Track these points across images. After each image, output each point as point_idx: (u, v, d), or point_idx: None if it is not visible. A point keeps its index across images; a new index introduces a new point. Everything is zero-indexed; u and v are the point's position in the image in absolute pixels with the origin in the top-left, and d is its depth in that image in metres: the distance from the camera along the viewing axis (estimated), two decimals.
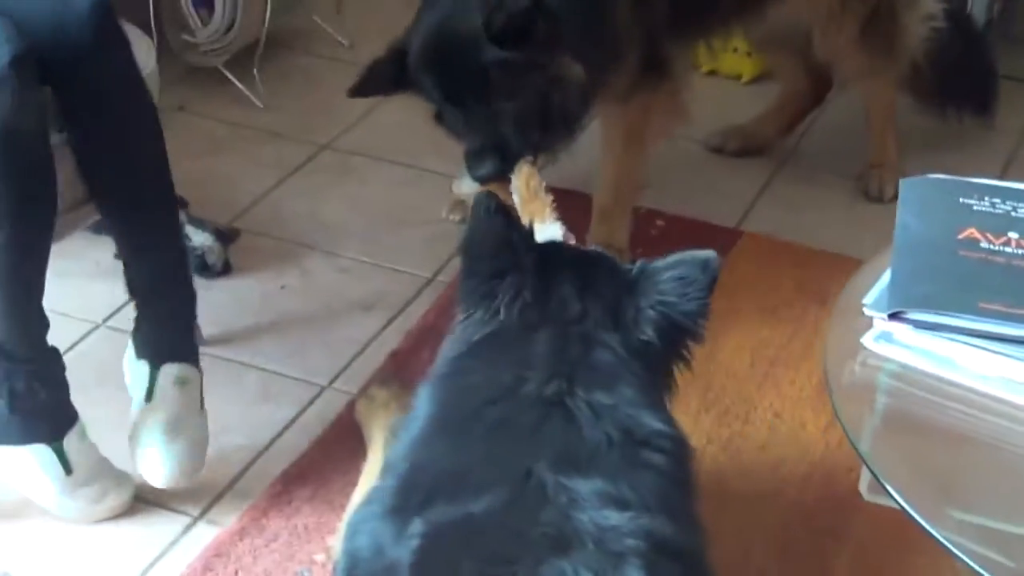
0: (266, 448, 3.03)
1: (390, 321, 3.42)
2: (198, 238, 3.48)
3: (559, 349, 2.17)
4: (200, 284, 3.27)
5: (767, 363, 3.35)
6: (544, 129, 3.12)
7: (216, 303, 3.38)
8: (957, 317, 2.23)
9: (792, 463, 3.08)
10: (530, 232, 2.31)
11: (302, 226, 3.72)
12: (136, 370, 2.86)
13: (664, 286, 2.23)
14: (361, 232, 3.72)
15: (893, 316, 2.25)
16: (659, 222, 3.82)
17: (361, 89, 3.22)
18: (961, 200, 2.51)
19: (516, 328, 2.21)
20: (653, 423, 2.12)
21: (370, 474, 2.84)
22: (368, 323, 3.40)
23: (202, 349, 3.07)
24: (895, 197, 3.77)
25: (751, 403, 3.23)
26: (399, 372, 3.22)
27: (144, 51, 2.91)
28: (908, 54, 3.86)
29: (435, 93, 3.12)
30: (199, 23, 4.18)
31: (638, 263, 2.29)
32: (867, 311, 2.31)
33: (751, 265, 3.69)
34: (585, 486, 1.99)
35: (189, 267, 2.96)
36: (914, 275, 2.33)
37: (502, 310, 2.22)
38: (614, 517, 1.96)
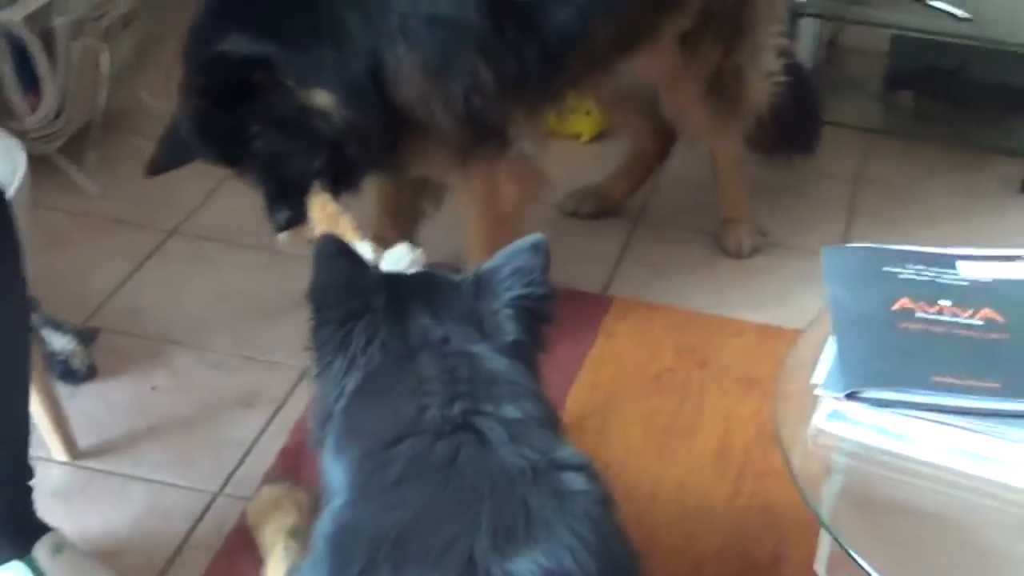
0: (167, 567, 2.87)
1: (273, 416, 3.30)
2: (58, 342, 3.31)
3: (445, 369, 2.12)
4: (65, 391, 3.14)
5: (660, 434, 3.31)
6: (319, 158, 3.07)
7: (86, 410, 3.23)
8: (912, 393, 2.21)
9: (705, 537, 3.04)
10: (375, 268, 2.29)
11: (164, 320, 3.57)
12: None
13: (507, 283, 2.21)
14: (227, 323, 3.59)
15: (850, 396, 2.22)
16: None
17: (155, 167, 3.21)
18: (884, 269, 2.50)
19: (390, 363, 2.16)
20: (561, 443, 2.09)
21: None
22: (250, 420, 3.28)
23: (79, 462, 2.95)
24: (753, 251, 3.85)
25: (653, 477, 3.18)
26: (290, 471, 3.10)
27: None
28: (753, 110, 3.88)
29: (215, 160, 3.12)
30: (27, 110, 3.97)
31: (472, 271, 2.27)
32: (820, 392, 2.28)
33: (627, 332, 3.66)
34: (522, 563, 1.93)
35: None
36: (861, 352, 2.31)
37: (360, 355, 2.17)
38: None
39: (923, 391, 2.22)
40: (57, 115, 4.02)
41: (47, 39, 3.94)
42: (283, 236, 3.13)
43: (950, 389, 2.22)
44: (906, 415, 2.23)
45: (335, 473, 2.12)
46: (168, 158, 3.21)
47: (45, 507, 2.71)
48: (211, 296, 3.69)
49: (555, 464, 2.04)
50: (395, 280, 2.31)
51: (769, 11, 3.81)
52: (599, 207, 4.16)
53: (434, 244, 3.20)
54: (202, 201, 4.05)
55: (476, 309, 2.22)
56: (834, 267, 2.53)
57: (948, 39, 4.53)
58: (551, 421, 2.15)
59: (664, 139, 4.10)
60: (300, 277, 3.61)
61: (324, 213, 2.91)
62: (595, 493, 2.04)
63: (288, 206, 3.05)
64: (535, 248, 2.26)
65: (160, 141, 3.20)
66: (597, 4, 3.30)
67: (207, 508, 3.03)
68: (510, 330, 2.21)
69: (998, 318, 2.34)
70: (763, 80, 3.87)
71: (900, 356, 2.29)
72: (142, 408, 3.30)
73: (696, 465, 3.23)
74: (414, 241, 3.30)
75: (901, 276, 2.48)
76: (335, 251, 2.22)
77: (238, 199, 3.76)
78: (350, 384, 2.17)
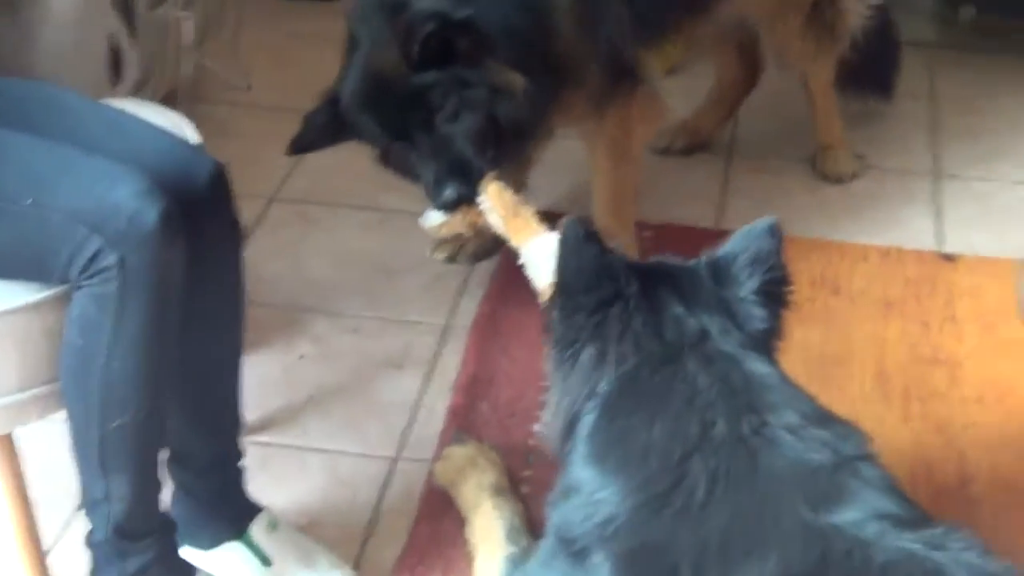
0: (368, 536, 2.82)
1: (428, 376, 3.25)
2: None
3: (718, 377, 2.09)
4: None
5: (817, 364, 3.30)
6: (496, 142, 3.00)
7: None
8: None
9: (892, 467, 3.03)
10: (624, 254, 2.21)
11: (290, 288, 3.52)
12: (224, 557, 2.64)
13: (748, 269, 2.18)
14: (353, 286, 3.54)
15: None
16: (646, 233, 3.72)
17: (301, 144, 3.10)
18: None
19: (652, 365, 2.11)
20: (843, 428, 2.09)
21: (484, 539, 2.73)
22: (405, 382, 3.24)
23: (249, 438, 2.86)
24: (854, 176, 3.84)
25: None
26: (464, 429, 3.06)
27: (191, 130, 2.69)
28: (848, 36, 3.87)
29: (377, 134, 3.01)
30: (111, 83, 3.88)
31: (701, 259, 2.23)
32: None
33: None
34: (856, 514, 1.95)
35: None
36: None
37: (615, 345, 2.12)
38: (910, 536, 1.94)
39: None
40: (140, 86, 3.89)
41: (127, 10, 3.83)
42: (435, 217, 3.04)
43: None
44: None
45: (592, 479, 2.09)
46: (318, 135, 3.09)
47: None
48: (331, 260, 3.63)
49: (847, 458, 2.03)
50: (642, 267, 2.24)
51: None
52: (691, 142, 4.13)
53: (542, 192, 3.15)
54: (294, 165, 3.96)
55: (723, 297, 2.17)
56: None
57: None
58: (822, 415, 2.11)
59: (751, 69, 4.09)
60: (411, 235, 3.65)
61: (501, 201, 2.76)
62: (888, 478, 2.04)
63: (458, 183, 2.93)
64: (771, 231, 2.21)
65: (308, 117, 3.08)
66: None
67: (390, 473, 3.00)
68: (761, 318, 2.17)
69: None
70: (858, 4, 3.86)
71: None
72: (295, 379, 3.25)
73: (860, 393, 3.22)
74: (526, 190, 3.26)
75: None
76: (583, 235, 2.14)
77: (328, 159, 3.68)
78: (604, 383, 2.12)
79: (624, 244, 3.31)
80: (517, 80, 2.99)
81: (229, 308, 2.53)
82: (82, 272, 2.25)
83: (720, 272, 2.20)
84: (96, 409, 2.32)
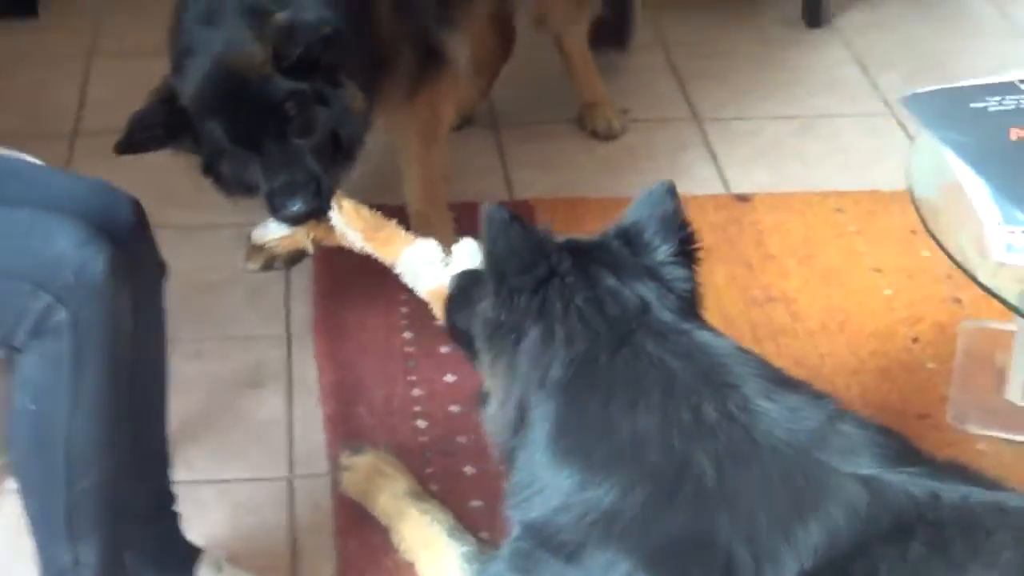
0: (298, 560, 2.80)
1: (288, 390, 3.21)
2: None
3: (682, 356, 2.10)
4: None
5: None
6: (335, 161, 2.99)
7: None
8: None
9: None
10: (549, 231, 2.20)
11: None
12: None
13: (659, 234, 2.21)
14: (180, 309, 3.34)
15: None
16: (452, 215, 3.72)
17: (130, 145, 2.90)
18: (971, 106, 2.65)
19: (608, 348, 2.11)
20: (808, 389, 2.15)
21: (423, 544, 2.72)
22: (268, 399, 3.18)
23: None
24: (623, 130, 3.95)
25: None
26: (350, 436, 3.03)
27: None
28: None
29: (220, 138, 2.91)
30: None
31: (609, 231, 2.25)
32: (998, 228, 2.40)
33: (575, 229, 3.65)
34: (871, 462, 2.02)
35: None
36: (1016, 184, 2.44)
37: (559, 324, 2.10)
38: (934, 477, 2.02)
39: None
40: None
41: None
42: (275, 230, 2.98)
43: None
44: None
45: (571, 475, 2.06)
46: (149, 137, 2.91)
47: None
48: None
49: (831, 417, 2.07)
50: (563, 243, 2.21)
51: None
52: (457, 119, 4.13)
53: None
54: None
55: (645, 265, 2.18)
56: (926, 113, 2.67)
57: None
58: (786, 380, 2.14)
59: (506, 39, 4.13)
60: (217, 248, 3.56)
61: (360, 217, 2.74)
62: (873, 427, 2.09)
63: (307, 198, 2.86)
64: (669, 193, 2.24)
65: (137, 118, 2.89)
66: None
67: (290, 492, 2.93)
68: (685, 278, 2.19)
69: None
70: None
71: None
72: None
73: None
74: None
75: (991, 109, 2.63)
76: (507, 218, 2.11)
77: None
78: (555, 367, 2.08)
79: (441, 229, 3.33)
80: (361, 101, 2.97)
81: (159, 346, 2.43)
82: (31, 333, 2.12)
83: (633, 240, 2.21)
84: (61, 474, 2.20)
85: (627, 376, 2.08)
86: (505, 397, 2.16)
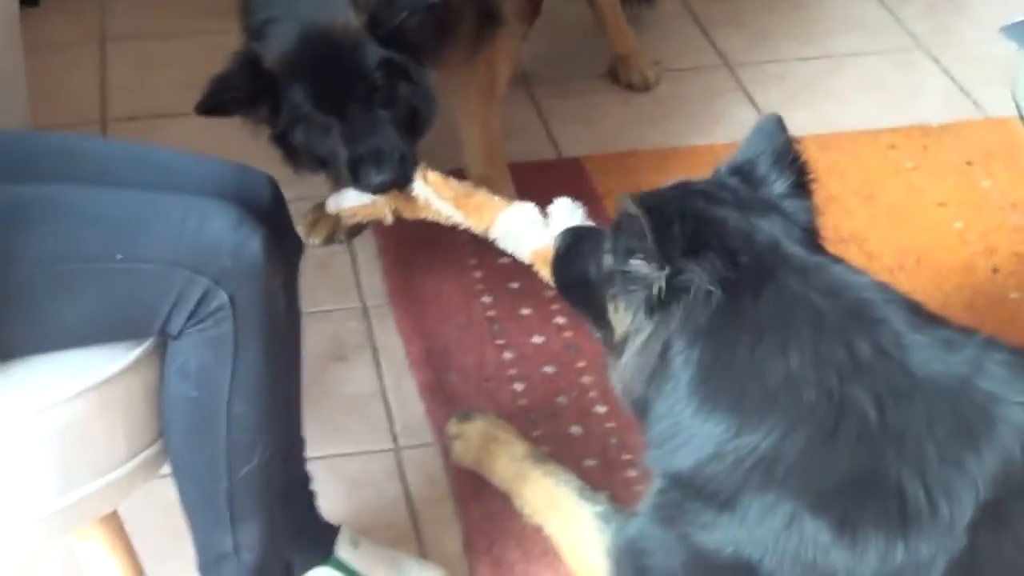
0: (422, 530, 2.77)
1: (376, 362, 3.18)
2: None
3: (823, 290, 2.10)
4: None
5: None
6: (411, 136, 2.96)
7: None
8: None
9: None
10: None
11: None
12: None
13: (775, 168, 2.23)
14: None
15: None
16: None
17: (214, 106, 2.83)
18: None
19: (752, 289, 2.08)
20: (950, 322, 2.16)
21: (551, 507, 2.66)
22: (357, 372, 3.15)
23: None
24: (657, 80, 3.94)
25: None
26: (450, 402, 3.00)
27: None
28: None
29: (303, 102, 2.86)
30: None
31: (721, 169, 2.26)
32: None
33: (625, 186, 3.62)
34: None
35: None
36: None
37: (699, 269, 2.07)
38: None
39: None
40: None
41: None
42: (352, 198, 2.93)
43: None
44: None
45: (721, 421, 2.06)
46: (232, 100, 2.83)
47: None
48: None
49: (980, 348, 2.07)
50: (684, 189, 2.23)
51: None
52: None
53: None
54: None
55: (765, 199, 2.19)
56: None
57: None
58: (927, 313, 2.15)
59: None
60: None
61: (449, 187, 2.75)
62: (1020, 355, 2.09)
63: (391, 168, 2.82)
64: (779, 126, 2.25)
65: (220, 79, 2.81)
66: None
67: (400, 464, 2.90)
68: (806, 209, 2.21)
69: None
70: None
71: None
72: None
73: None
74: None
75: None
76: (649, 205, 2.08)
77: None
78: (698, 312, 2.06)
79: (503, 189, 3.30)
80: (432, 79, 2.95)
81: (298, 324, 2.38)
82: (189, 319, 2.07)
83: (748, 176, 2.22)
84: (223, 460, 2.16)
85: (773, 316, 2.07)
86: (643, 346, 2.13)
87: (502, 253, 2.98)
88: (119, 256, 2.04)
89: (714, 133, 3.82)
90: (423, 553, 2.69)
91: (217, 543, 2.23)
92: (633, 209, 2.05)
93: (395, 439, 2.94)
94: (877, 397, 2.01)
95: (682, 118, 3.92)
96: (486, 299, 3.27)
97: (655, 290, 2.07)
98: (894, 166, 3.64)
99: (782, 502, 2.03)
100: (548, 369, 3.08)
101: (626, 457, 2.86)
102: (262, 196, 2.24)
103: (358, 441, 2.93)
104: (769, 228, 2.14)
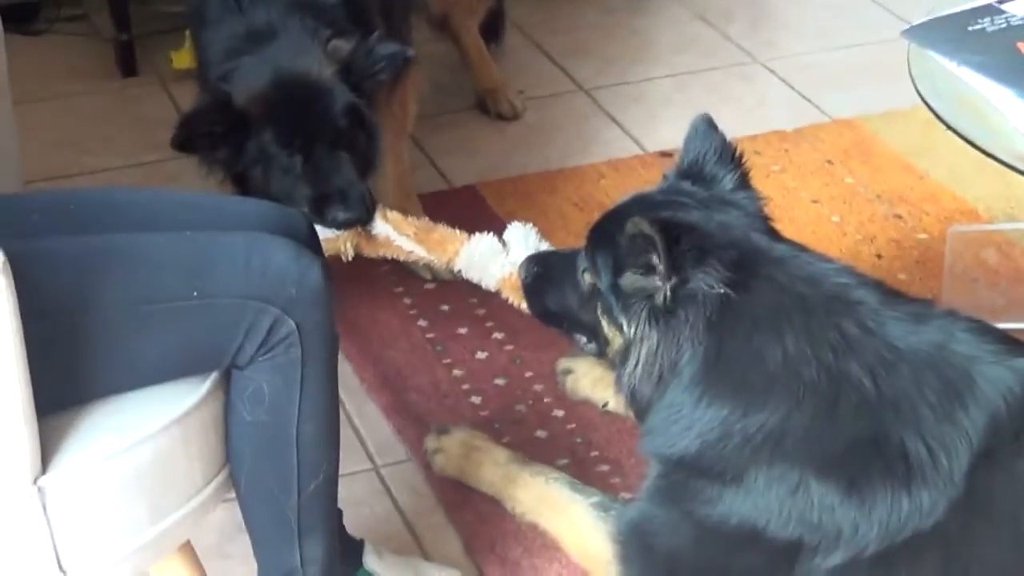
0: (420, 542, 2.93)
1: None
2: None
3: (803, 278, 2.32)
4: None
5: None
6: (363, 175, 3.13)
7: None
8: None
9: None
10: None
11: None
12: None
13: (719, 165, 2.42)
14: None
15: None
16: None
17: (187, 143, 2.98)
18: (970, 28, 2.94)
19: (738, 282, 2.27)
20: (909, 295, 2.44)
21: (545, 503, 2.83)
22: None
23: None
24: (524, 109, 4.17)
25: None
26: (415, 421, 3.16)
27: None
28: None
29: (271, 143, 3.01)
30: None
31: (669, 175, 2.47)
32: None
33: (526, 207, 3.83)
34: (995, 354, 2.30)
35: None
36: None
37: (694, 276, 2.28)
38: None
39: None
40: None
41: None
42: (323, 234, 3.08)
43: None
44: None
45: (724, 407, 2.25)
46: (203, 138, 2.97)
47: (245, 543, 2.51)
48: None
49: (945, 320, 2.31)
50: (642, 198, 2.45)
51: None
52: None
53: None
54: None
55: (720, 197, 2.39)
56: (934, 41, 2.92)
57: None
58: (890, 290, 2.37)
59: None
60: None
61: (409, 224, 2.92)
62: (980, 322, 2.35)
63: (353, 206, 2.97)
64: (711, 125, 2.46)
65: (192, 117, 2.97)
66: None
67: (383, 482, 3.04)
68: (756, 196, 2.43)
69: None
70: None
71: None
72: None
73: None
74: None
75: (990, 29, 2.93)
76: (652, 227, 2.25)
77: None
78: (701, 315, 2.25)
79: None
80: (376, 123, 3.13)
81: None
82: (260, 348, 2.22)
83: (698, 177, 2.42)
84: (293, 480, 2.30)
85: (765, 306, 2.28)
86: (654, 353, 2.31)
87: (425, 279, 3.19)
88: (195, 294, 2.16)
89: (591, 153, 4.06)
90: (428, 559, 2.82)
91: (285, 560, 2.36)
92: (648, 230, 2.22)
93: (371, 459, 3.07)
94: (870, 369, 2.23)
95: (557, 142, 4.14)
96: (422, 323, 3.42)
97: (659, 300, 2.26)
98: (763, 170, 3.89)
99: (788, 472, 2.24)
100: (499, 381, 3.25)
101: (594, 454, 3.04)
102: (301, 229, 2.39)
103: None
104: (736, 223, 2.35)
